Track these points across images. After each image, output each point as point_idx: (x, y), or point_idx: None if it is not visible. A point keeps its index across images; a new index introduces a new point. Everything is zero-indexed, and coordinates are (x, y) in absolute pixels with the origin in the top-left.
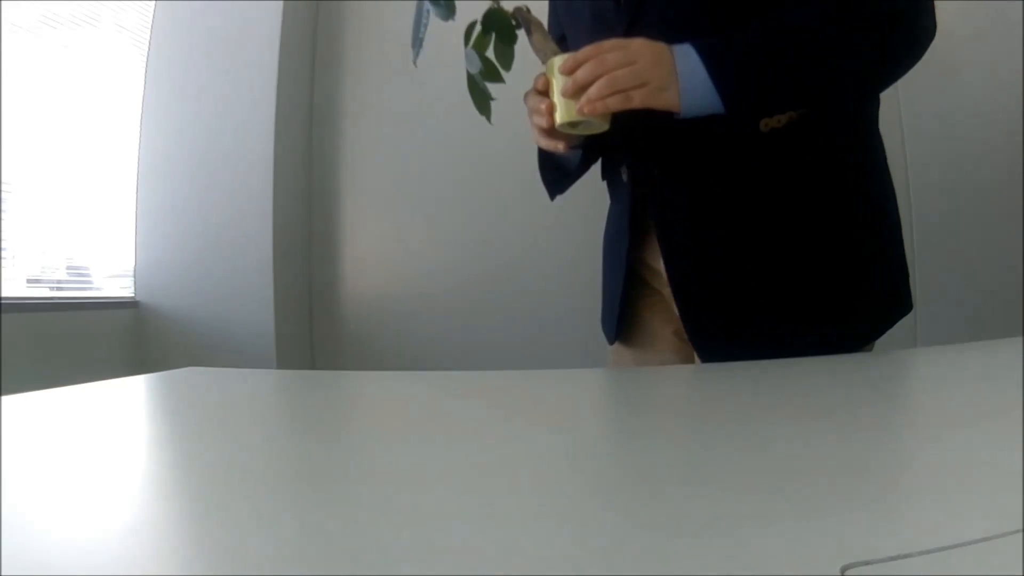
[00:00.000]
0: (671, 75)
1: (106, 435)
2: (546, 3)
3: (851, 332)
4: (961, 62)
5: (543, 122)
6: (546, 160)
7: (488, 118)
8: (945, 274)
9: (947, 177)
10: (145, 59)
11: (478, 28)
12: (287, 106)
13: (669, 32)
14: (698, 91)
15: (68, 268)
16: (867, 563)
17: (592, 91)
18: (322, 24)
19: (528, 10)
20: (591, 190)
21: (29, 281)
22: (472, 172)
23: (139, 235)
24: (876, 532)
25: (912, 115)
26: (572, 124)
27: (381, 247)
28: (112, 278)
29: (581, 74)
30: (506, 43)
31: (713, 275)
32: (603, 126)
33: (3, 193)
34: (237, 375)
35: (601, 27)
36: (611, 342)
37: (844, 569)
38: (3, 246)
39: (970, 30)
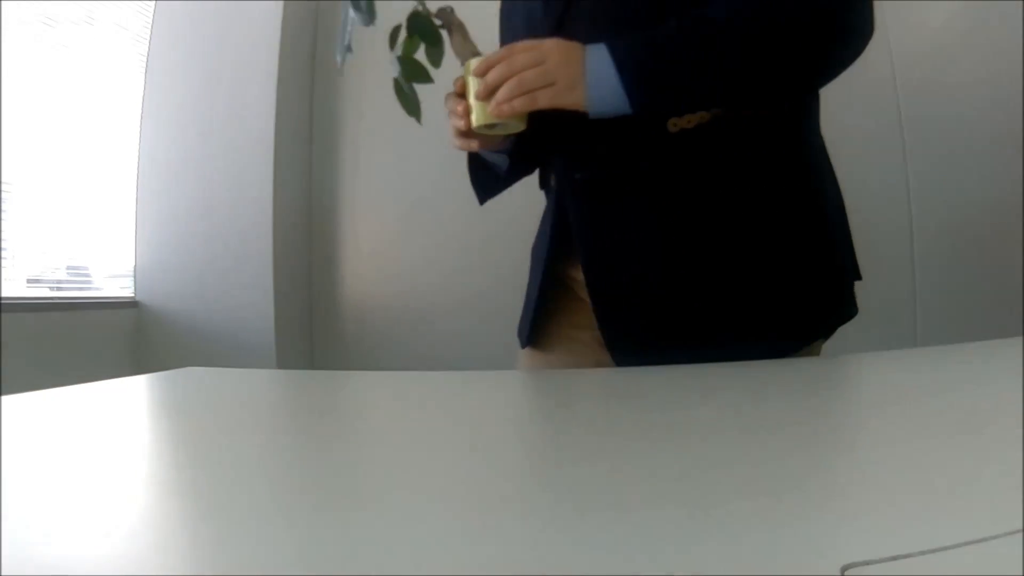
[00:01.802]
0: (579, 75)
1: (106, 435)
2: (480, 1)
3: (776, 338)
4: (961, 62)
5: (460, 124)
6: (476, 163)
7: (418, 120)
8: (945, 274)
9: (947, 177)
10: (145, 59)
11: (403, 31)
12: (287, 106)
13: (596, 31)
14: (606, 91)
15: (68, 268)
16: (867, 563)
17: (500, 93)
18: (322, 24)
19: (452, 11)
20: None
21: (29, 281)
22: None
23: (139, 235)
24: (876, 532)
25: (912, 115)
26: (489, 126)
27: (381, 247)
28: (112, 278)
29: (491, 76)
30: (431, 44)
31: (627, 280)
32: (519, 126)
33: (3, 193)
34: (237, 375)
35: (531, 27)
36: (523, 346)
37: (844, 569)
38: (3, 246)
39: (970, 30)
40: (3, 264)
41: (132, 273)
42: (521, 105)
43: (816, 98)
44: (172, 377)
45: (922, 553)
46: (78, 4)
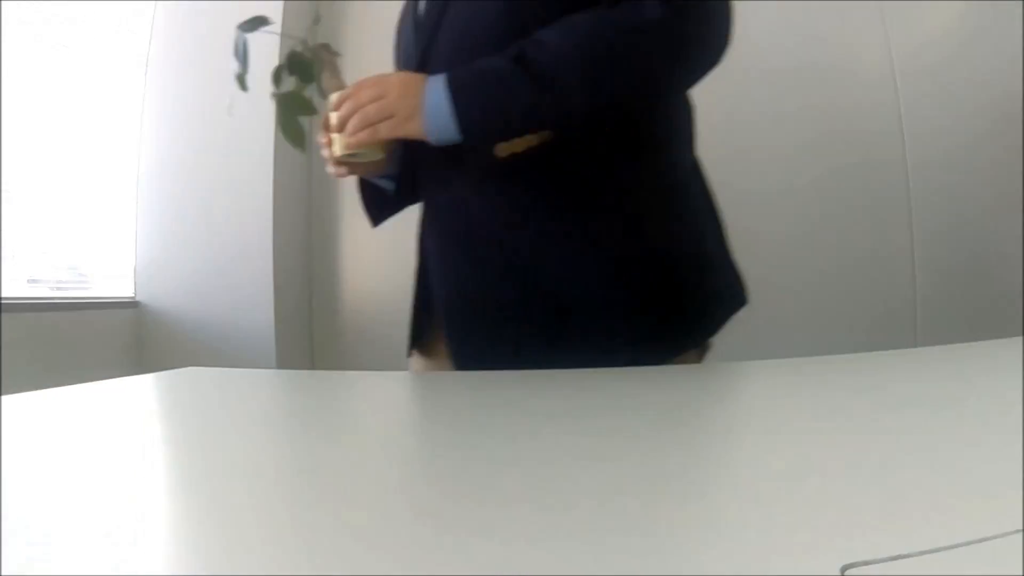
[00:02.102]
0: (417, 106)
1: (106, 435)
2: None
3: (614, 352)
4: (961, 63)
5: (327, 154)
6: (366, 187)
7: (302, 150)
8: (945, 274)
9: (947, 177)
10: (145, 59)
11: (285, 70)
12: None
13: (459, 56)
14: (441, 120)
15: (68, 268)
16: (867, 563)
17: (348, 127)
18: (322, 24)
19: (326, 47)
20: None
21: (29, 281)
22: None
23: (139, 235)
24: (876, 532)
25: (912, 115)
26: (351, 155)
27: (381, 247)
28: (112, 278)
29: (341, 111)
30: (306, 81)
31: (462, 295)
32: (377, 155)
33: (3, 193)
34: (237, 375)
35: (407, 60)
36: (408, 354)
37: (844, 569)
38: (3, 246)
39: (971, 31)
40: (3, 264)
41: (132, 273)
42: (366, 137)
43: (686, 119)
44: (172, 377)
45: (922, 553)
46: (78, 4)
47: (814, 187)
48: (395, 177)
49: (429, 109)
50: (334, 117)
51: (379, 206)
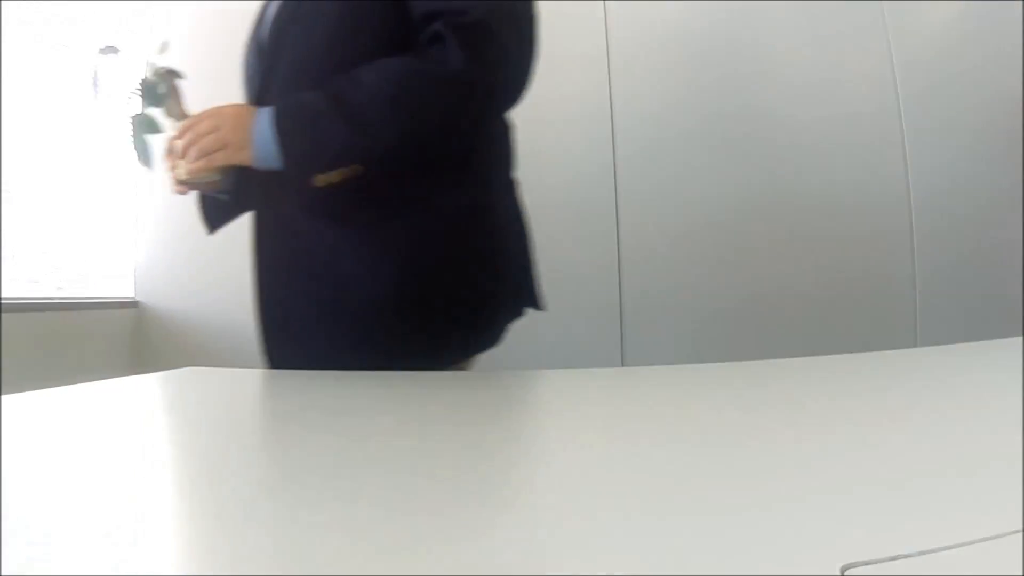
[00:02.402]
0: (247, 137)
1: (106, 435)
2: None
3: (402, 356)
4: (961, 62)
5: (172, 176)
6: (203, 196)
7: (148, 167)
8: (945, 274)
9: (947, 177)
10: None
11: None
12: None
13: (297, 79)
14: (267, 150)
15: (68, 268)
16: (867, 563)
17: (187, 156)
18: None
19: (171, 73)
20: (592, 194)
21: (29, 281)
22: None
23: (139, 235)
24: (876, 532)
25: (912, 115)
26: (192, 179)
27: None
28: (112, 278)
29: (182, 141)
30: (155, 105)
31: (274, 299)
32: (215, 177)
33: (3, 193)
34: (237, 375)
35: (250, 74)
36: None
37: (844, 569)
38: (3, 246)
39: (970, 30)
40: (3, 264)
41: (132, 273)
42: (203, 166)
43: (500, 143)
44: (172, 377)
45: (922, 553)
46: (78, 4)
47: (814, 187)
48: (230, 192)
49: (257, 141)
50: (177, 145)
51: (215, 215)
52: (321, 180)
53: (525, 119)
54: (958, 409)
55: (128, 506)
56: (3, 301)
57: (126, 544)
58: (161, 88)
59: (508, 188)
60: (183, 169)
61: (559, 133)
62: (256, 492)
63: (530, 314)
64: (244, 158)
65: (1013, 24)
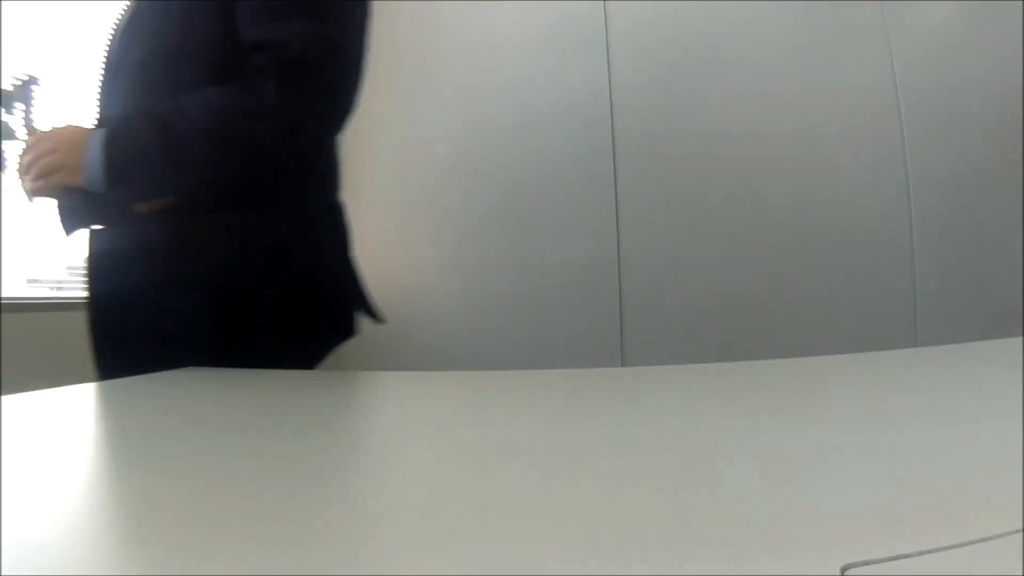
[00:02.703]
0: (81, 160)
1: (106, 435)
2: None
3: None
4: (961, 62)
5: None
6: (59, 203)
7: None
8: (945, 274)
9: (947, 176)
10: None
11: None
12: None
13: (135, 96)
14: (97, 175)
15: (68, 268)
16: (867, 563)
17: (29, 174)
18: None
19: (28, 81)
20: (590, 194)
21: (29, 281)
22: (474, 173)
23: None
24: (876, 532)
25: (912, 115)
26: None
27: (381, 247)
28: None
29: (23, 161)
30: (9, 113)
31: (100, 307)
32: (55, 195)
33: (3, 193)
34: (237, 375)
35: (100, 88)
36: None
37: (844, 569)
38: (3, 246)
39: (970, 30)
40: (3, 264)
41: None
42: (42, 186)
43: (330, 164)
44: (172, 377)
45: (922, 553)
46: (78, 4)
47: (814, 187)
48: (75, 205)
49: (88, 164)
50: (23, 160)
51: (70, 221)
52: (142, 208)
53: (525, 118)
54: (958, 409)
55: (127, 506)
56: (3, 301)
57: (126, 544)
58: (16, 97)
59: (332, 209)
60: (26, 184)
61: (560, 132)
62: (257, 492)
63: (530, 314)
64: (78, 180)
65: (1013, 24)
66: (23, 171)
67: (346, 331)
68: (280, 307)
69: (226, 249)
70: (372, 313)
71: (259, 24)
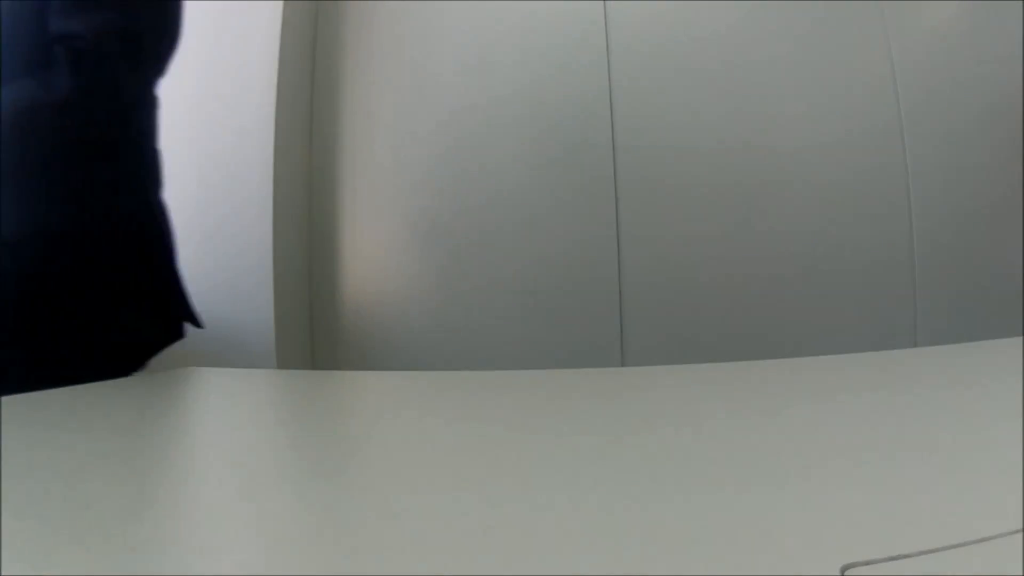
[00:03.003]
0: None
1: (106, 435)
2: None
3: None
4: (961, 62)
5: None
6: None
7: None
8: (945, 274)
9: (947, 176)
10: None
11: None
12: (287, 106)
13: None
14: None
15: None
16: (867, 563)
17: None
18: (322, 25)
19: None
20: (590, 194)
21: None
22: (473, 173)
23: None
24: (876, 532)
25: (912, 115)
26: None
27: (381, 247)
28: None
29: None
30: None
31: None
32: None
33: None
34: (237, 375)
35: None
36: None
37: (844, 569)
38: None
39: (970, 30)
40: None
41: None
42: None
43: (153, 167)
44: (172, 377)
45: (922, 553)
46: None
47: (814, 186)
48: None
49: None
50: None
51: None
52: None
53: (526, 119)
54: (958, 409)
55: (127, 506)
56: None
57: (126, 544)
58: None
59: (151, 210)
60: None
61: (560, 132)
62: (257, 492)
63: (530, 315)
64: None
65: (1013, 24)
66: None
67: (174, 333)
68: (93, 310)
69: (24, 248)
70: (193, 318)
71: (61, 17)
